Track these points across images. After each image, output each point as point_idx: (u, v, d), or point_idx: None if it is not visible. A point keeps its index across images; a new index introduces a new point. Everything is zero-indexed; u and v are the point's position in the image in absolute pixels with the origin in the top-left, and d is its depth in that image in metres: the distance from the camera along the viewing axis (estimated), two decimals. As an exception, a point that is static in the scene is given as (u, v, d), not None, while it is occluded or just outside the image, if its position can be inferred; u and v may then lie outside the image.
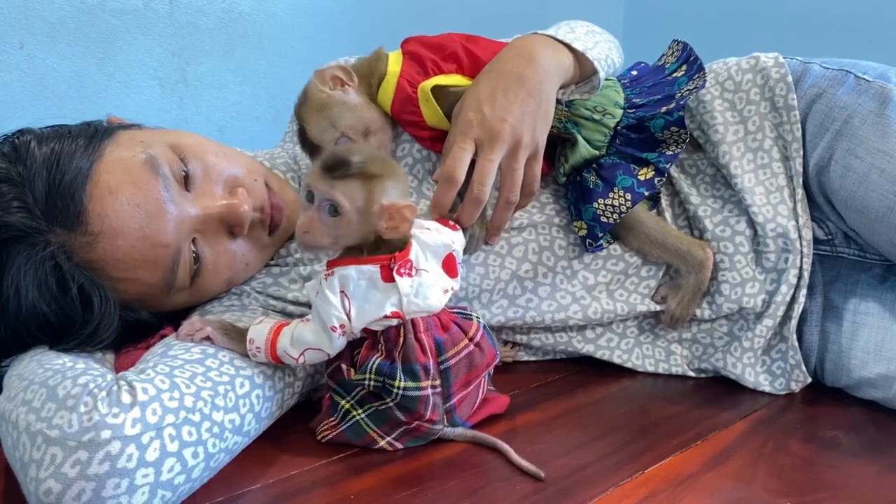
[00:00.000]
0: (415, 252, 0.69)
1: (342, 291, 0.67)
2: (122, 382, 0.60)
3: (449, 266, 0.72)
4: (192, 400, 0.61)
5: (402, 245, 0.69)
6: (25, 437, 0.56)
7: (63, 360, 0.64)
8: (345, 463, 0.69)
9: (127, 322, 0.74)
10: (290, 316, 0.85)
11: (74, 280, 0.69)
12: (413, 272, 0.68)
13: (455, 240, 0.74)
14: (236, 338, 0.70)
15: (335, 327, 0.67)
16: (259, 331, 0.69)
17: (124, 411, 0.56)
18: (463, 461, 0.70)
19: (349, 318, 0.67)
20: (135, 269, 0.73)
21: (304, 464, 0.69)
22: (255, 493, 0.64)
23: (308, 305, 0.86)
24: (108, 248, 0.71)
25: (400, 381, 0.67)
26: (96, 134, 0.75)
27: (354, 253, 0.68)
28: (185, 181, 0.77)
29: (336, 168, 0.65)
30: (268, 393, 0.70)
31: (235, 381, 0.66)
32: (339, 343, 0.68)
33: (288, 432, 0.75)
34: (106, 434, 0.55)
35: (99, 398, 0.57)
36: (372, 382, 0.68)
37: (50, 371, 0.61)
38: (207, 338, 0.71)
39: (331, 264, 0.68)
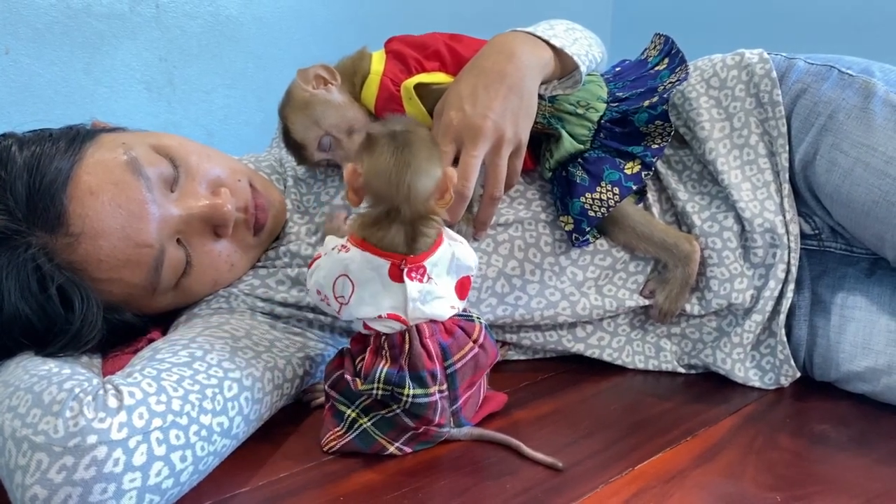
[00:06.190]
0: (433, 259, 0.67)
1: (344, 274, 0.66)
2: (109, 386, 0.59)
3: (462, 288, 0.71)
4: (179, 403, 0.61)
5: (435, 235, 0.67)
6: (11, 444, 0.56)
7: (49, 366, 0.63)
8: (335, 464, 0.69)
9: (112, 324, 0.74)
10: (279, 318, 0.85)
11: (53, 281, 0.69)
12: (424, 278, 0.66)
13: (475, 265, 0.72)
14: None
15: (320, 292, 0.69)
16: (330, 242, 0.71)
17: (110, 416, 0.56)
18: (453, 461, 0.70)
19: (347, 303, 0.67)
20: (118, 270, 0.73)
21: (293, 466, 0.68)
22: (244, 496, 0.64)
23: (295, 307, 0.87)
24: (90, 248, 0.71)
25: (409, 389, 0.66)
26: (77, 136, 0.75)
27: (383, 228, 0.65)
28: (168, 182, 0.77)
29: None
30: (256, 395, 0.70)
31: (223, 383, 0.66)
32: (313, 295, 0.71)
33: (277, 434, 0.74)
34: (92, 439, 0.55)
35: (85, 403, 0.56)
36: (380, 392, 0.67)
37: (35, 377, 0.60)
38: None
39: (353, 238, 0.67)
